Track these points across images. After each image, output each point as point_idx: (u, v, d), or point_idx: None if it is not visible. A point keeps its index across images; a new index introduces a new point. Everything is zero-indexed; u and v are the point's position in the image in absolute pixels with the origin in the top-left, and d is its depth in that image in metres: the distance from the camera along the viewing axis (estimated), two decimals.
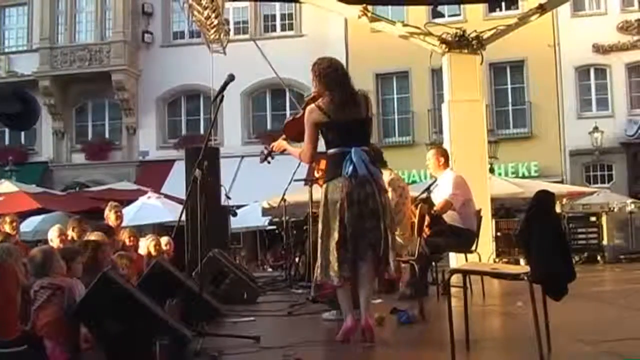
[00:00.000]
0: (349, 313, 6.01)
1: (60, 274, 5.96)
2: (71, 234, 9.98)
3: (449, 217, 8.94)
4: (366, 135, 6.31)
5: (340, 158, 6.04)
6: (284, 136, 6.92)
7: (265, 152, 7.24)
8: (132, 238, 11.17)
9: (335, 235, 5.96)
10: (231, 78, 6.52)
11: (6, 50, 36.32)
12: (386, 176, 8.57)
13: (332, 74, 6.23)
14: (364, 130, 6.28)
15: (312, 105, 6.19)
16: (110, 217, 11.29)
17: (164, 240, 12.52)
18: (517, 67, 32.25)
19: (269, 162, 7.10)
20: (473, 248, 9.13)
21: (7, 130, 33.28)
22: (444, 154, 9.64)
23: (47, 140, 34.97)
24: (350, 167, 5.99)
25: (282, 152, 6.87)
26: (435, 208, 8.85)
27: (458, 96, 14.94)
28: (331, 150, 6.14)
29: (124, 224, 12.32)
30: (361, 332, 5.93)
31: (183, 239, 11.32)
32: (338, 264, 5.92)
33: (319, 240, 6.13)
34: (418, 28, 15.44)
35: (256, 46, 6.90)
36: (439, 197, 9.12)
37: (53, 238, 9.06)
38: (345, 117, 6.09)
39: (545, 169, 30.75)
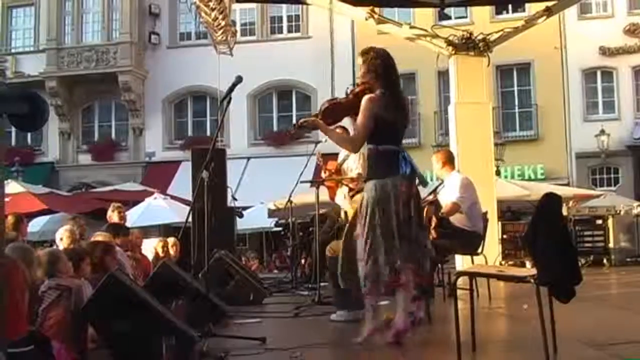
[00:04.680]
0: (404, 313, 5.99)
1: (67, 275, 5.98)
2: (76, 231, 10.00)
3: (455, 219, 8.94)
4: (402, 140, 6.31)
5: (394, 156, 6.02)
6: (320, 117, 6.29)
7: (295, 127, 6.43)
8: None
9: (394, 231, 5.89)
10: (239, 80, 6.51)
11: (13, 50, 36.34)
12: None
13: (391, 71, 6.16)
14: (403, 134, 6.29)
15: (375, 96, 6.01)
16: (113, 217, 11.29)
17: (170, 241, 12.56)
18: (524, 69, 32.23)
19: (293, 136, 6.74)
20: (479, 250, 9.13)
21: (13, 130, 33.22)
22: (446, 156, 9.63)
23: (53, 141, 35.01)
24: (409, 168, 5.99)
25: (313, 129, 6.37)
26: (442, 211, 8.85)
27: (464, 98, 14.94)
28: (383, 147, 6.05)
29: (130, 225, 12.35)
30: (396, 333, 5.90)
31: (189, 240, 11.34)
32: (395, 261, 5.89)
33: (379, 235, 5.90)
34: (425, 30, 15.46)
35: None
36: (446, 199, 9.13)
37: (63, 238, 9.07)
38: (399, 119, 6.10)
39: (552, 171, 30.71)
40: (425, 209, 8.19)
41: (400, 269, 5.89)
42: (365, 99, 5.98)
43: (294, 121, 6.79)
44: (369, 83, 6.12)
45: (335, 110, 6.32)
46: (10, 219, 9.76)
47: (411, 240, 5.94)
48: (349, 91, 6.29)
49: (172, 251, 12.28)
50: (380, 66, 6.12)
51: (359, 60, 6.26)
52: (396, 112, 6.05)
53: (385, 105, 5.97)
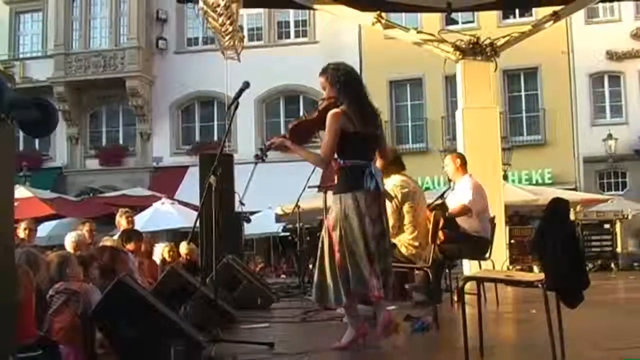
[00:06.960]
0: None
1: (77, 279, 5.99)
2: (85, 234, 10.06)
3: (464, 223, 8.93)
4: (375, 151, 6.25)
5: (360, 170, 5.96)
6: (288, 137, 6.28)
7: (264, 150, 6.43)
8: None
9: (361, 246, 5.88)
10: (246, 85, 6.48)
11: (21, 56, 36.44)
12: (396, 180, 8.57)
13: (354, 83, 6.15)
14: (375, 146, 6.22)
15: (339, 111, 5.97)
16: (121, 223, 11.32)
17: (183, 245, 12.58)
18: (531, 74, 32.19)
19: (263, 160, 6.50)
20: (487, 255, 9.12)
21: (21, 135, 33.34)
22: (462, 159, 9.64)
23: (61, 146, 35.07)
24: (373, 183, 5.95)
25: (281, 149, 6.35)
26: (450, 211, 8.83)
27: (472, 103, 14.94)
28: (350, 161, 6.00)
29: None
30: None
31: (197, 245, 11.36)
32: (370, 276, 5.86)
33: (345, 250, 5.90)
34: (432, 35, 15.46)
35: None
36: (454, 202, 9.12)
37: (72, 243, 9.10)
38: (367, 131, 6.01)
39: (559, 176, 30.66)
40: (433, 213, 8.19)
41: (369, 283, 5.88)
42: (329, 115, 5.95)
43: (292, 121, 6.41)
44: (334, 97, 6.09)
45: (303, 128, 6.33)
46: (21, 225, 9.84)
47: (380, 255, 5.95)
48: (316, 107, 6.29)
49: (184, 252, 12.35)
50: (342, 80, 6.08)
51: (320, 80, 6.24)
52: (363, 124, 5.98)
53: (350, 119, 5.94)
